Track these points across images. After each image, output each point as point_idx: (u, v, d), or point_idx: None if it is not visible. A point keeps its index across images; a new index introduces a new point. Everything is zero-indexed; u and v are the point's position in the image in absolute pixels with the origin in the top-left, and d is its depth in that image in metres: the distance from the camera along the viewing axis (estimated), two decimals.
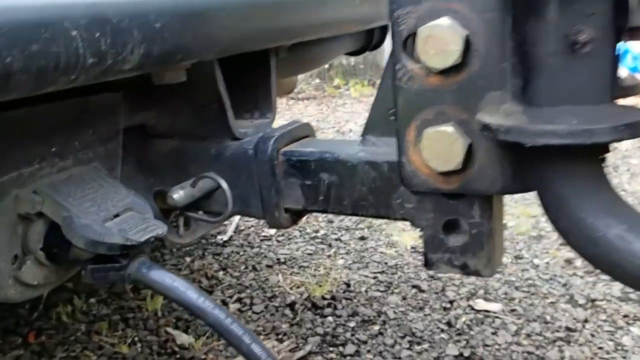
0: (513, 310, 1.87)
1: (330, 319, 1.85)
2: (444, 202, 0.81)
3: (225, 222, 2.52)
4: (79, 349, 1.63)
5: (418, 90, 0.74)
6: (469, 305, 1.91)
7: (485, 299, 1.94)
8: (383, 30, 1.51)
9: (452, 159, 0.73)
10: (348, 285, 2.04)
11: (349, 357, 1.68)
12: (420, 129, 0.76)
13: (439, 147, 0.74)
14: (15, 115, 0.71)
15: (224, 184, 0.90)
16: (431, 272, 0.84)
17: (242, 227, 2.49)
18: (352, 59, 5.37)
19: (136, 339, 1.69)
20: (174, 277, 0.74)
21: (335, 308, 1.90)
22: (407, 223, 2.58)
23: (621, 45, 0.67)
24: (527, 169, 0.70)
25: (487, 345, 1.74)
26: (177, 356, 1.64)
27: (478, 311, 1.88)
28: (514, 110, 0.65)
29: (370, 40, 1.50)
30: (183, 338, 1.71)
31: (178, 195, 0.90)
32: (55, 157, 0.78)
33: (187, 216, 0.95)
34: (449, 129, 0.73)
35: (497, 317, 1.84)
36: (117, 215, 0.77)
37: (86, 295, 1.87)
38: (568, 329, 1.74)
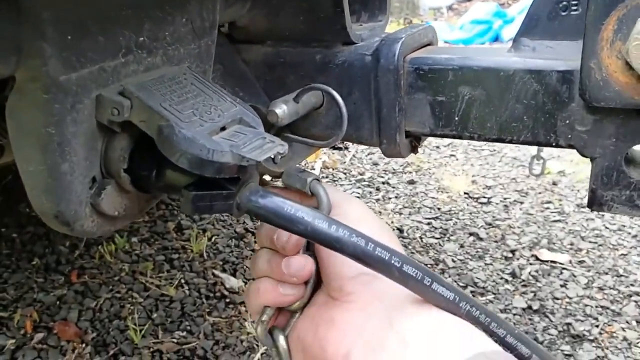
0: (581, 262, 1.73)
1: None
2: (634, 123, 0.63)
3: None
4: (124, 290, 1.51)
5: None
6: (533, 255, 1.77)
7: (550, 249, 1.80)
8: None
9: None
10: (401, 231, 1.89)
11: None
12: (625, 22, 0.56)
13: None
14: None
15: (338, 98, 0.71)
16: (595, 211, 0.66)
17: None
18: None
19: (182, 281, 1.56)
20: (297, 205, 0.56)
21: None
22: (458, 167, 2.38)
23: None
24: None
25: (557, 298, 1.61)
26: (227, 300, 1.51)
27: (543, 262, 1.74)
28: None
29: None
30: (232, 281, 1.58)
31: (281, 110, 0.71)
32: (143, 50, 0.59)
33: (290, 138, 0.77)
34: None
35: (564, 268, 1.70)
36: (223, 128, 0.59)
37: (127, 233, 1.73)
38: None
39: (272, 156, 0.58)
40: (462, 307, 0.51)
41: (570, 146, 0.68)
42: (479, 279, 1.67)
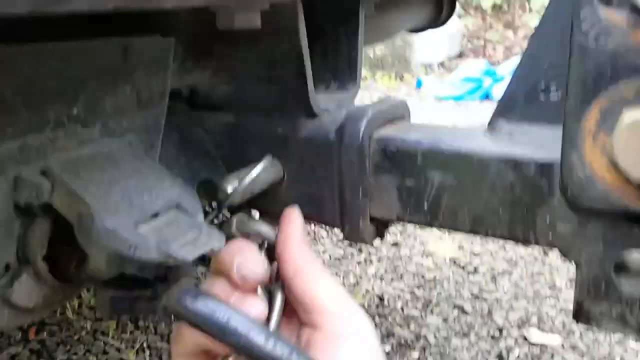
0: (575, 347, 1.62)
1: None
2: (625, 227, 0.56)
3: None
4: (81, 351, 1.40)
5: (615, 52, 0.48)
6: (522, 336, 1.66)
7: (540, 329, 1.69)
8: (451, 2, 1.27)
9: None
10: (382, 299, 1.79)
11: None
12: (609, 113, 0.50)
13: None
14: (21, 52, 0.46)
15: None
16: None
17: None
18: (379, 51, 5.11)
19: (145, 344, 1.46)
20: (231, 312, 0.48)
21: None
22: (445, 231, 2.29)
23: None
24: None
25: None
26: None
27: (533, 344, 1.63)
28: None
29: (438, 12, 1.25)
30: None
31: (232, 188, 0.64)
32: (76, 122, 0.53)
33: (240, 217, 0.70)
34: None
35: (556, 353, 1.59)
36: (155, 216, 0.52)
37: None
38: None
39: (206, 252, 0.50)
40: None
41: (552, 246, 0.61)
42: (462, 359, 1.56)
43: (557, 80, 0.59)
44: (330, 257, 2.02)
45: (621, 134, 0.49)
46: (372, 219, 0.70)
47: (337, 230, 2.35)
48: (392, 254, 2.07)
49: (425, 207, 0.66)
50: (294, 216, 0.53)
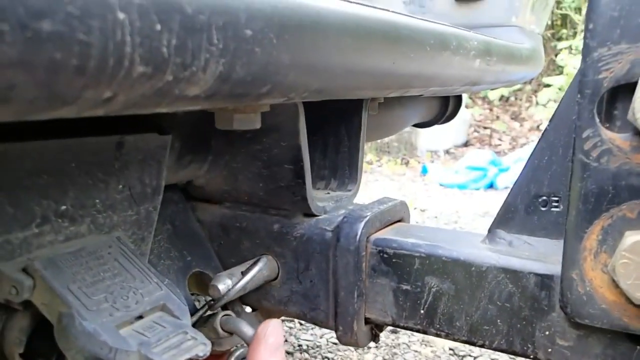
0: None
1: None
2: (624, 347, 0.52)
3: None
4: None
5: (618, 173, 0.48)
6: None
7: None
8: (458, 100, 1.29)
9: None
10: None
11: None
12: (610, 233, 0.49)
13: None
14: (10, 149, 0.45)
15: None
16: None
17: None
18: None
19: None
20: None
21: None
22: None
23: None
24: None
25: None
26: None
27: None
28: None
29: (444, 110, 1.27)
30: None
31: (225, 286, 0.62)
32: (64, 219, 0.52)
33: (230, 308, 0.67)
34: None
35: None
36: (139, 317, 0.50)
37: None
38: None
39: (191, 358, 0.47)
40: None
41: None
42: None
43: (559, 192, 0.59)
44: (327, 341, 1.93)
45: (623, 255, 0.48)
46: (366, 322, 0.67)
47: None
48: (390, 341, 1.97)
49: (422, 312, 0.63)
50: (271, 327, 0.51)
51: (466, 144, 6.08)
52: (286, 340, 1.91)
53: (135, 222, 0.58)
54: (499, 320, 0.59)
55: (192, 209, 0.74)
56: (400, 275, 0.63)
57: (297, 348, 1.86)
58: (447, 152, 5.77)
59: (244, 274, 0.64)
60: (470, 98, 6.33)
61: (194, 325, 0.64)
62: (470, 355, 1.92)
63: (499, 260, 0.59)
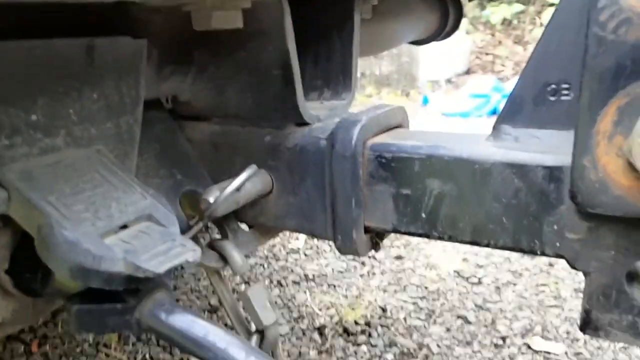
0: (578, 354, 1.53)
1: (364, 348, 1.53)
2: (638, 234, 0.49)
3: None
4: None
5: (637, 45, 0.42)
6: (525, 344, 1.58)
7: (544, 337, 1.60)
8: (457, 13, 1.19)
9: None
10: (384, 310, 1.71)
11: None
12: (627, 112, 0.44)
13: None
14: None
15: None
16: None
17: None
18: (385, 68, 5.01)
19: (147, 356, 1.39)
20: (209, 326, 0.43)
21: (370, 336, 1.58)
22: (449, 244, 2.18)
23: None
24: None
25: None
26: None
27: (536, 351, 1.54)
28: None
29: (443, 24, 1.18)
30: None
31: (216, 198, 0.58)
32: (36, 130, 0.47)
33: (225, 225, 0.64)
34: None
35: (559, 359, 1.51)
36: (124, 227, 0.46)
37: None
38: None
39: (178, 264, 0.44)
40: None
41: (559, 256, 0.54)
42: None
43: (570, 79, 0.53)
44: (332, 270, 1.94)
45: None
46: (366, 230, 0.64)
47: None
48: (395, 267, 1.99)
49: (423, 217, 0.59)
50: None
51: (468, 72, 5.89)
52: (292, 271, 1.93)
53: (116, 135, 0.54)
54: (504, 218, 0.55)
55: (180, 127, 0.70)
56: (400, 180, 0.59)
57: (304, 277, 1.87)
58: (448, 81, 5.60)
59: (236, 187, 0.60)
60: (472, 24, 6.06)
61: None
62: (474, 276, 1.93)
63: (505, 155, 0.54)
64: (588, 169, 0.46)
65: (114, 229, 0.45)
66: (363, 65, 4.83)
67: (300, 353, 1.48)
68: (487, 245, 0.57)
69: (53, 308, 0.57)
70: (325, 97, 0.72)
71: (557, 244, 0.53)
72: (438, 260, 2.02)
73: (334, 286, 1.82)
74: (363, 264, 2.00)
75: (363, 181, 0.61)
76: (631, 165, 0.44)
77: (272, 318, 0.63)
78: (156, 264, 0.42)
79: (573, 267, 0.53)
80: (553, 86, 0.54)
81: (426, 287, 1.85)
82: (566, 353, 1.53)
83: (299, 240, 2.11)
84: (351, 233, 0.62)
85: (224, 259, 0.63)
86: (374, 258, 2.04)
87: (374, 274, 1.93)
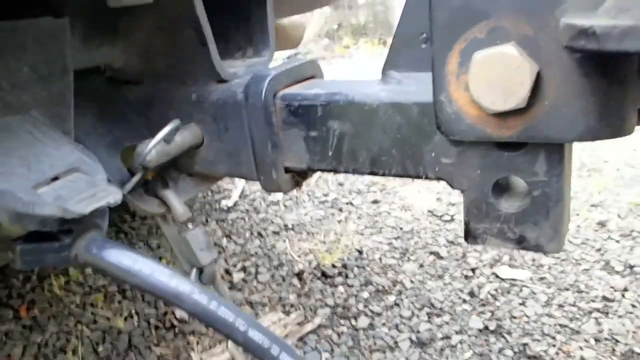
0: (542, 279, 1.66)
1: (341, 288, 1.66)
2: (495, 154, 0.58)
3: (230, 187, 2.32)
4: (72, 323, 1.47)
5: None
6: (493, 273, 1.70)
7: (511, 266, 1.73)
8: None
9: (514, 93, 0.50)
10: (360, 252, 1.83)
11: (361, 331, 1.49)
12: (466, 54, 0.52)
13: (495, 77, 0.50)
14: None
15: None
16: (473, 243, 0.61)
17: (248, 192, 2.28)
18: (361, 17, 5.00)
19: (133, 312, 1.52)
20: (136, 256, 0.53)
21: (346, 277, 1.71)
22: (423, 185, 2.28)
23: None
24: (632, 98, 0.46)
25: (515, 317, 1.53)
26: (176, 330, 1.47)
27: (503, 279, 1.67)
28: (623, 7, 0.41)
29: None
30: (182, 311, 1.53)
31: (147, 151, 0.67)
32: None
33: (165, 175, 0.73)
34: (509, 50, 0.49)
35: (524, 285, 1.63)
36: (56, 179, 0.56)
37: (82, 265, 1.69)
38: (605, 298, 1.52)
39: (101, 206, 0.54)
40: None
41: (439, 178, 0.63)
42: (436, 299, 1.61)
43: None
44: (311, 218, 2.05)
45: (474, 70, 0.51)
46: (287, 170, 0.73)
47: (318, 193, 2.38)
48: (372, 211, 2.10)
49: (330, 154, 0.68)
50: None
51: None
52: (272, 222, 2.04)
53: (48, 100, 0.62)
54: (393, 150, 0.64)
55: (117, 91, 0.78)
56: (307, 124, 0.68)
57: (283, 227, 1.99)
58: None
59: (165, 139, 0.69)
60: None
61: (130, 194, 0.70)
62: (447, 214, 2.04)
63: (387, 96, 0.62)
64: (445, 104, 0.55)
65: (46, 181, 0.54)
66: (339, 16, 4.77)
67: (280, 298, 1.61)
68: (384, 175, 0.66)
69: (4, 262, 0.67)
70: (248, 56, 0.79)
71: (437, 169, 0.62)
72: (413, 202, 2.12)
73: (312, 233, 1.94)
74: (340, 210, 2.11)
75: (277, 127, 0.69)
76: (473, 98, 0.52)
77: (209, 258, 0.73)
78: (82, 206, 0.52)
79: (451, 186, 0.62)
80: (424, 35, 0.62)
81: (401, 228, 1.97)
82: (531, 279, 1.66)
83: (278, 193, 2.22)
84: (272, 173, 0.71)
85: (166, 205, 0.73)
86: (352, 204, 2.15)
87: (351, 219, 2.04)
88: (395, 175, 0.66)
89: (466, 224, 0.63)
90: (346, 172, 0.69)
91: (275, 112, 0.69)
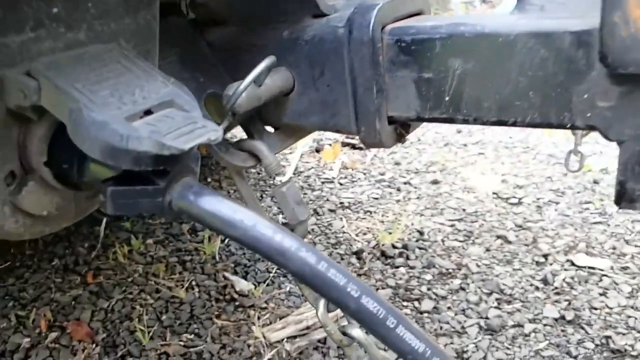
0: (625, 268, 1.52)
1: (402, 270, 1.56)
2: None
3: (283, 163, 2.25)
4: (136, 292, 1.46)
5: None
6: (568, 260, 1.57)
7: (588, 254, 1.59)
8: None
9: None
10: (421, 233, 1.73)
11: (426, 314, 1.40)
12: None
13: None
14: None
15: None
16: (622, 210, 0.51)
17: (302, 169, 2.21)
18: None
19: (194, 283, 1.49)
20: (236, 206, 0.46)
21: (407, 258, 1.61)
22: (487, 166, 2.15)
23: None
24: None
25: (595, 308, 1.41)
26: (237, 303, 1.42)
27: (580, 267, 1.54)
28: None
29: None
30: (242, 284, 1.49)
31: (238, 92, 0.60)
32: (59, 23, 0.49)
33: (251, 127, 0.66)
34: None
35: (604, 275, 1.50)
36: (149, 112, 0.48)
37: (143, 235, 1.67)
38: None
39: (204, 143, 0.46)
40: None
41: (591, 127, 0.52)
42: (505, 285, 1.49)
43: None
44: (368, 197, 1.96)
45: None
46: (390, 121, 0.64)
47: (374, 172, 2.29)
48: (432, 192, 1.99)
49: (447, 100, 0.59)
50: None
51: None
52: (328, 200, 1.96)
53: (136, 31, 0.55)
54: (531, 93, 0.54)
55: (200, 33, 0.70)
56: (421, 63, 0.58)
57: (339, 205, 1.91)
58: (483, 1, 5.29)
59: (256, 82, 0.61)
60: None
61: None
62: (514, 197, 1.92)
63: (528, 25, 0.52)
64: (619, 26, 0.44)
65: (139, 114, 0.47)
66: None
67: None
68: (514, 124, 0.56)
69: (93, 208, 0.61)
70: None
71: (588, 114, 0.52)
72: (475, 183, 2.00)
73: (370, 212, 1.85)
74: (399, 189, 2.01)
75: (383, 68, 0.60)
76: None
77: (305, 213, 0.65)
78: (181, 142, 0.45)
79: (606, 137, 0.52)
80: None
81: (464, 210, 1.85)
82: (612, 268, 1.52)
83: (333, 170, 2.14)
84: (375, 123, 0.62)
85: (255, 157, 0.65)
86: (410, 184, 2.04)
87: (410, 199, 1.94)
88: (528, 125, 0.56)
89: (621, 184, 0.52)
90: (465, 122, 0.59)
91: (382, 49, 0.60)
